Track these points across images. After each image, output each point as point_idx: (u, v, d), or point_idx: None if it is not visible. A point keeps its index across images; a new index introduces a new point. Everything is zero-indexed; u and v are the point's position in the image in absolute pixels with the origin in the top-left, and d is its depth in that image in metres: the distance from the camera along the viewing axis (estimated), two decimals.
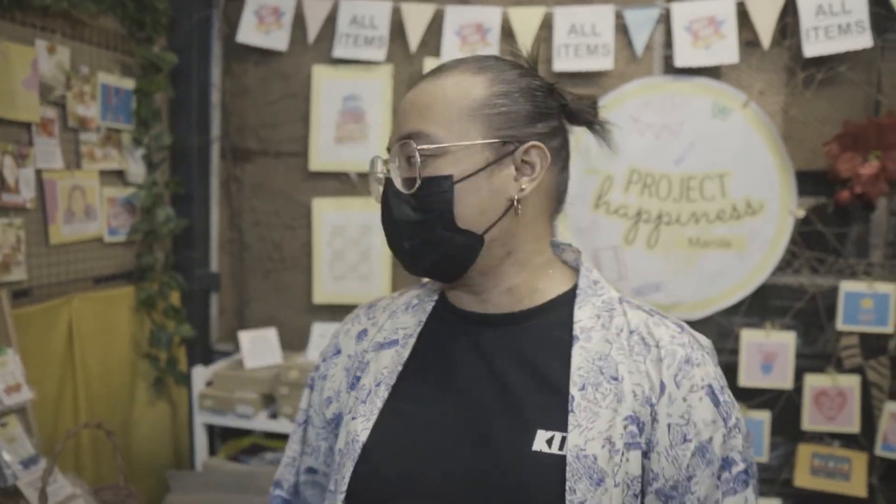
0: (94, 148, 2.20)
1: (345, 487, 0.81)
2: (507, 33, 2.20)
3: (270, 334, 2.29)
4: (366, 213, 2.36)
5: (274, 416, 2.18)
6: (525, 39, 2.17)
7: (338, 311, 2.40)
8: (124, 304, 2.34)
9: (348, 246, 2.38)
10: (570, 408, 0.75)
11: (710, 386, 0.76)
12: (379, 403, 0.84)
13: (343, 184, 2.39)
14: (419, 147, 0.78)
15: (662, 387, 0.75)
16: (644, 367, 0.76)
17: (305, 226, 2.43)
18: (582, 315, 0.81)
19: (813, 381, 2.15)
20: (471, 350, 0.84)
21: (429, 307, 0.91)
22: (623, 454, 0.73)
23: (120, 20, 2.25)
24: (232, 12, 2.43)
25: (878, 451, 2.09)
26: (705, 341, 0.82)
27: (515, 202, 0.79)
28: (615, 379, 0.76)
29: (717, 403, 0.76)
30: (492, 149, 0.79)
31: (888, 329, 2.08)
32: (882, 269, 2.11)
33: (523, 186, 0.80)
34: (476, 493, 0.76)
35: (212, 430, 2.45)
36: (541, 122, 0.81)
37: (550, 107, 0.83)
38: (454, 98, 0.79)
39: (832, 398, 2.17)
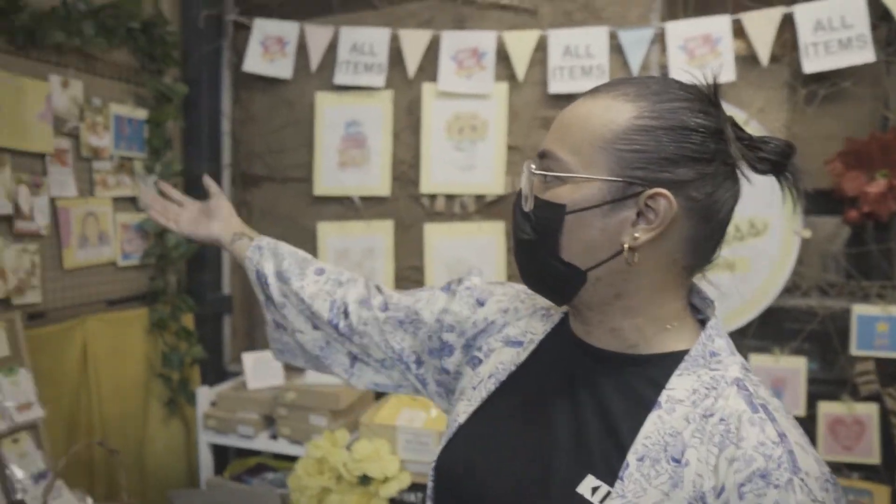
0: (108, 176, 2.30)
1: (436, 458, 0.88)
2: (503, 56, 2.21)
3: (270, 356, 2.33)
4: (368, 236, 2.39)
5: (274, 437, 2.21)
6: (520, 63, 2.17)
7: None
8: (138, 325, 2.42)
9: (351, 269, 2.41)
10: (620, 474, 0.70)
11: None
12: (483, 394, 0.88)
13: (346, 208, 2.43)
14: (538, 171, 0.77)
15: (721, 490, 0.66)
16: (714, 460, 0.67)
17: (311, 249, 2.42)
18: (678, 384, 0.73)
19: (827, 409, 2.07)
20: (568, 375, 0.82)
21: (556, 319, 0.91)
22: None
23: (132, 53, 2.36)
24: (240, 42, 2.52)
25: None
26: (816, 470, 0.66)
27: (626, 249, 0.73)
28: (677, 461, 0.69)
29: None
30: (614, 187, 0.72)
31: None
32: None
33: (637, 234, 0.72)
34: None
35: (224, 450, 2.50)
36: (685, 166, 0.72)
37: (707, 150, 0.72)
38: (595, 124, 0.74)
39: (849, 427, 2.07)
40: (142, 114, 2.40)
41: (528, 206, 0.78)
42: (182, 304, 2.48)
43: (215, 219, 1.22)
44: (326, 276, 1.14)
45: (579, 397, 0.79)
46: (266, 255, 1.17)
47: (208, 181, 1.26)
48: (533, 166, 0.78)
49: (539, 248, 0.77)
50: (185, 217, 1.24)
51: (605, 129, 0.73)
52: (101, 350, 2.26)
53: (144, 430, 2.45)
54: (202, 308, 2.55)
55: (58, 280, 2.16)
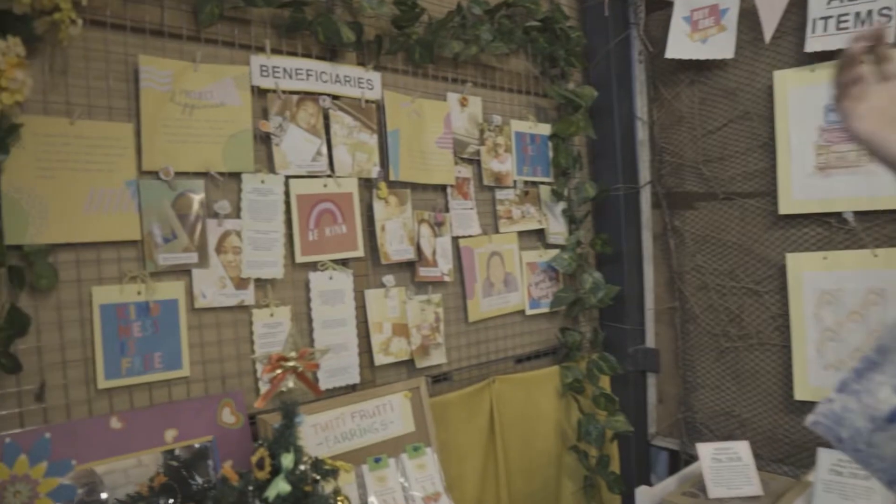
0: (512, 206, 1.91)
1: None
2: None
3: (741, 450, 1.66)
4: (875, 272, 1.62)
5: None
6: None
7: None
8: (548, 386, 2.00)
9: (845, 319, 1.66)
10: None
11: None
12: None
13: (833, 230, 1.70)
14: None
15: None
16: None
17: (777, 290, 1.80)
18: None
19: None
20: None
21: None
22: None
23: (531, 58, 1.96)
24: (654, 26, 1.98)
25: None
26: None
27: None
28: None
29: None
30: None
31: None
32: None
33: None
34: None
35: None
36: None
37: None
38: None
39: None
40: (544, 129, 1.99)
41: None
42: (601, 361, 1.98)
43: None
44: None
45: None
46: None
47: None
48: None
49: None
50: (873, 102, 0.72)
51: None
52: (508, 417, 1.89)
53: None
54: (622, 365, 2.02)
55: (462, 335, 1.82)
